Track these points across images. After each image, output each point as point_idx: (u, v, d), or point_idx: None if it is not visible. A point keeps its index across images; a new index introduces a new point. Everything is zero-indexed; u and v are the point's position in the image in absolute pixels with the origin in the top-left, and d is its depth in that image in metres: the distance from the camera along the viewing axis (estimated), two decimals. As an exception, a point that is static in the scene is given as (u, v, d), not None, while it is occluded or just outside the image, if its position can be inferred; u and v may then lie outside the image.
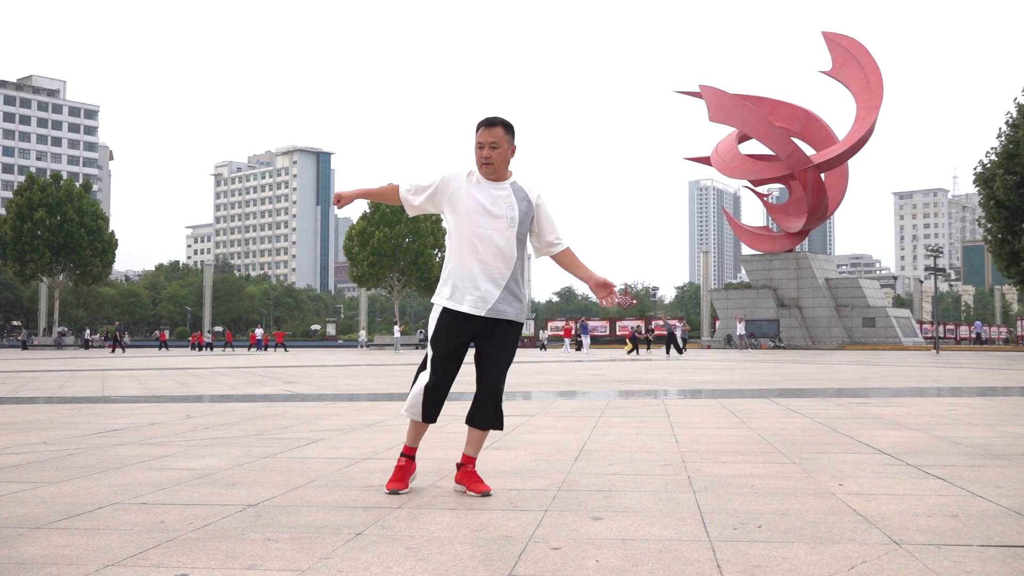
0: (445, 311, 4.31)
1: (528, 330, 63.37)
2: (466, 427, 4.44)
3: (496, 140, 4.28)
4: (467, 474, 4.42)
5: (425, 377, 4.33)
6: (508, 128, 4.35)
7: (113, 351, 51.58)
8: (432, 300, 4.46)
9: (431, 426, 4.45)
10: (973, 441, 6.56)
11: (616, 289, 4.36)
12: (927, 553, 3.18)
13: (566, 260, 4.52)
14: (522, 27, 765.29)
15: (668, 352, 39.22)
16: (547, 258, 4.56)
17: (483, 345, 4.33)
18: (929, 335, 53.52)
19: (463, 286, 4.27)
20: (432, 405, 4.32)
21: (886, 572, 2.93)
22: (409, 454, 4.48)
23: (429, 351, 4.35)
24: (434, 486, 4.64)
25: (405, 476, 4.43)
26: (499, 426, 4.35)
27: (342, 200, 4.64)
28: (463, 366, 4.43)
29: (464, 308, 4.25)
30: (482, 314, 4.24)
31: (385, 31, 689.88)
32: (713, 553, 3.19)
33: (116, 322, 73.04)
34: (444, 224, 4.57)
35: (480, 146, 4.29)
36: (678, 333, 41.91)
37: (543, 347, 58.28)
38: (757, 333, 56.46)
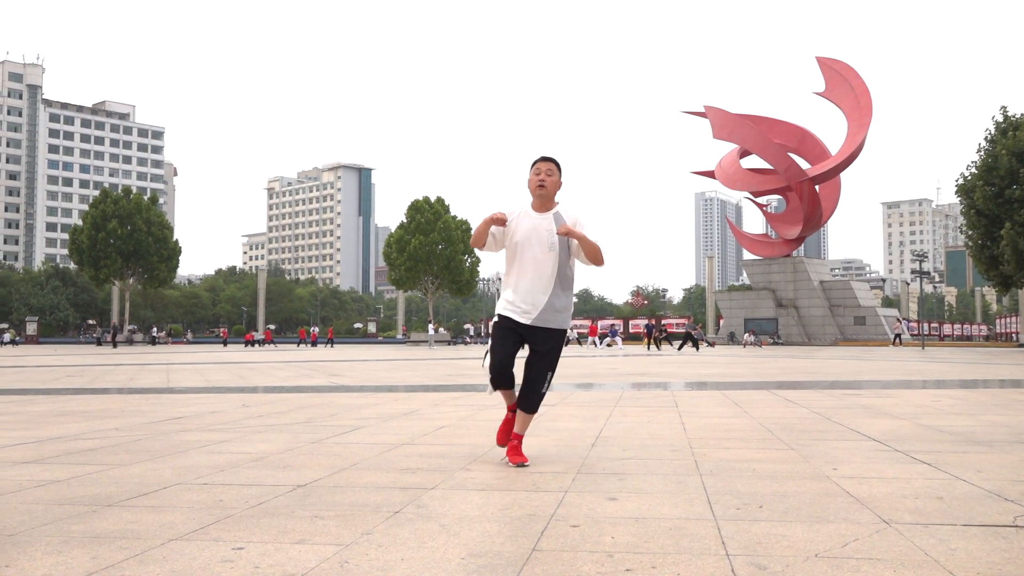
0: (500, 316, 4.78)
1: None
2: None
3: (550, 169, 4.73)
4: (514, 448, 4.83)
5: (488, 362, 4.78)
6: (558, 164, 4.78)
7: (115, 347, 53.31)
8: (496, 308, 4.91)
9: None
10: (956, 429, 6.48)
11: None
12: (914, 532, 3.14)
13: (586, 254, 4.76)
14: (546, 53, 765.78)
15: (680, 348, 39.05)
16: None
17: (533, 347, 4.78)
18: (915, 332, 52.98)
19: (515, 299, 4.71)
20: (499, 375, 4.72)
21: (877, 549, 2.89)
22: (512, 409, 4.89)
23: (490, 344, 4.80)
24: (464, 469, 4.64)
25: (509, 429, 4.90)
26: (532, 410, 4.80)
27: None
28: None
29: (515, 317, 4.70)
30: (528, 323, 4.68)
31: (421, 59, 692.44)
32: (718, 531, 3.17)
33: (113, 321, 74.39)
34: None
35: (537, 172, 4.72)
36: (695, 333, 41.78)
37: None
38: (757, 331, 56.10)
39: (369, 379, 14.78)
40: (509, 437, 4.87)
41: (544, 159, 4.76)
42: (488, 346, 4.84)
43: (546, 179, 4.69)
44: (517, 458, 4.75)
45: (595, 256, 4.66)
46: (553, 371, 4.80)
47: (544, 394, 4.80)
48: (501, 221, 4.66)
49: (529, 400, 4.76)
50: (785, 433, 6.25)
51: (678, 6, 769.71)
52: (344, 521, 3.36)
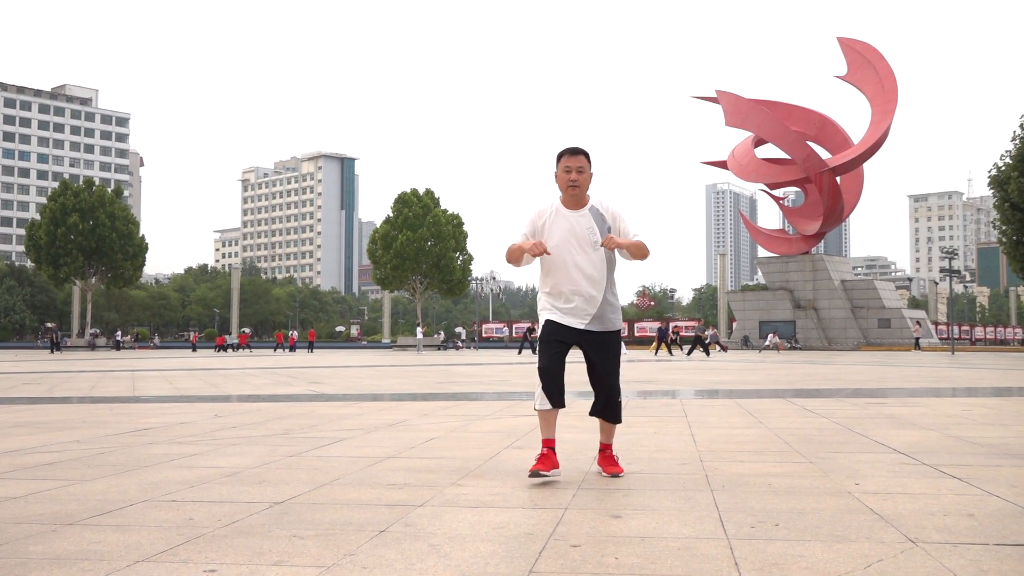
0: (549, 322, 4.74)
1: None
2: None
3: (581, 165, 4.68)
4: (605, 458, 4.92)
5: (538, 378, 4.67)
6: (588, 156, 4.74)
7: (52, 351, 54.30)
8: (539, 314, 4.87)
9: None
10: (988, 441, 6.50)
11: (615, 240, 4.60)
12: (943, 551, 3.15)
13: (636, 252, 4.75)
14: (543, 36, 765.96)
15: (690, 353, 39.11)
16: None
17: (593, 355, 4.76)
18: (944, 336, 53.10)
19: (564, 306, 4.71)
20: (551, 389, 4.62)
21: (902, 570, 2.90)
22: (549, 445, 4.74)
23: (539, 356, 4.71)
24: (455, 485, 4.64)
25: (547, 463, 4.67)
26: (619, 420, 4.86)
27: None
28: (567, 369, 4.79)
29: (568, 322, 4.70)
30: (583, 327, 4.70)
31: (407, 40, 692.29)
32: (731, 551, 3.17)
33: (55, 323, 75.03)
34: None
35: (567, 170, 4.68)
36: (708, 335, 41.84)
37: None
38: (776, 334, 56.06)
39: (352, 387, 14.78)
40: (546, 467, 4.66)
41: (572, 153, 4.70)
42: (536, 357, 4.74)
43: (577, 177, 4.65)
44: (612, 468, 4.84)
45: (642, 254, 4.68)
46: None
47: (622, 402, 4.85)
48: (544, 252, 4.58)
49: (612, 409, 4.79)
50: (803, 445, 6.26)
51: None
52: (325, 541, 3.36)
